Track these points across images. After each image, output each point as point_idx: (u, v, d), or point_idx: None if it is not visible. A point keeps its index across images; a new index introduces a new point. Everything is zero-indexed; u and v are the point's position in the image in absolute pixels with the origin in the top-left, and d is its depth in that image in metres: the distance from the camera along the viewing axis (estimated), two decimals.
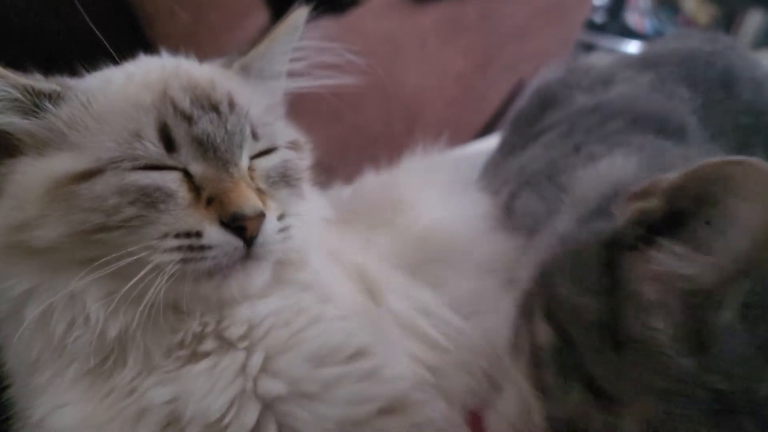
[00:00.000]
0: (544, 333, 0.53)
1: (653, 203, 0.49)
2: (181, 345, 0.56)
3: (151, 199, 0.52)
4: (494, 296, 0.71)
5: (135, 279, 0.51)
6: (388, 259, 0.74)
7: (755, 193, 0.42)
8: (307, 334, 0.58)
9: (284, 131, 0.66)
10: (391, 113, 1.25)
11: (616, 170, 0.66)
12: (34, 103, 0.55)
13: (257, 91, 0.65)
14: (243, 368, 0.55)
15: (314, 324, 0.59)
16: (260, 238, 0.54)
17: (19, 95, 0.54)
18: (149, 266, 0.51)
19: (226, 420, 0.52)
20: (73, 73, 0.63)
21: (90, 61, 0.63)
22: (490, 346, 0.66)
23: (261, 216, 0.54)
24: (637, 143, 0.72)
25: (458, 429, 0.61)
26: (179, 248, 0.52)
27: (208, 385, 0.54)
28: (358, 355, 0.59)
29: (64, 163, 0.53)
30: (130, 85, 0.58)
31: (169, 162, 0.54)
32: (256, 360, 0.55)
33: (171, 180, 0.54)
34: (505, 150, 0.98)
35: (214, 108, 0.57)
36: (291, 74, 0.71)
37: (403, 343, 0.65)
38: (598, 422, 0.50)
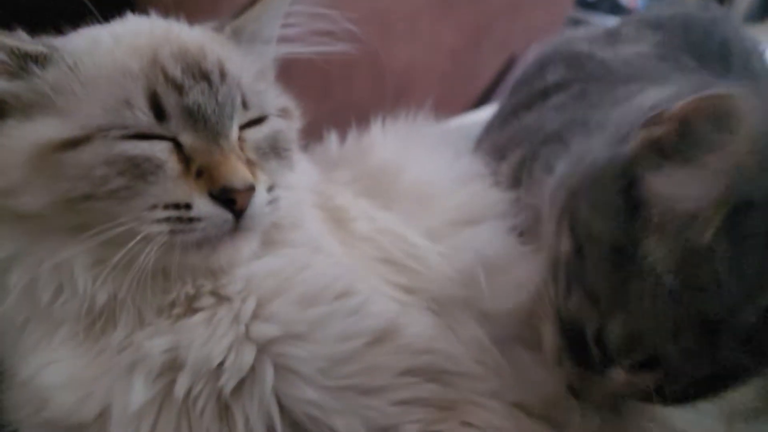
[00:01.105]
0: (566, 243, 0.60)
1: (659, 131, 0.54)
2: (173, 305, 0.57)
3: (140, 171, 0.52)
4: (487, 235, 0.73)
5: (124, 249, 0.51)
6: (361, 195, 0.76)
7: (741, 126, 0.47)
8: (295, 279, 0.60)
9: (274, 98, 0.66)
10: (381, 88, 1.24)
11: (648, 99, 0.68)
12: (19, 66, 0.54)
13: (249, 55, 0.64)
14: (237, 316, 0.57)
15: (302, 270, 0.61)
16: (249, 211, 0.55)
17: (4, 57, 0.53)
18: (138, 237, 0.52)
19: (227, 364, 0.54)
20: (58, 31, 0.61)
21: (74, 19, 0.62)
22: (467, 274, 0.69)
23: (251, 189, 0.55)
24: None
25: (446, 334, 0.64)
26: (168, 219, 0.52)
27: (206, 334, 0.56)
28: (343, 294, 0.61)
29: (49, 129, 0.53)
30: (118, 49, 0.56)
31: (159, 131, 0.54)
32: (249, 307, 0.57)
33: (160, 150, 0.53)
34: (507, 113, 0.98)
35: (205, 77, 0.56)
36: (283, 39, 0.70)
37: (378, 269, 0.68)
38: (593, 324, 0.56)
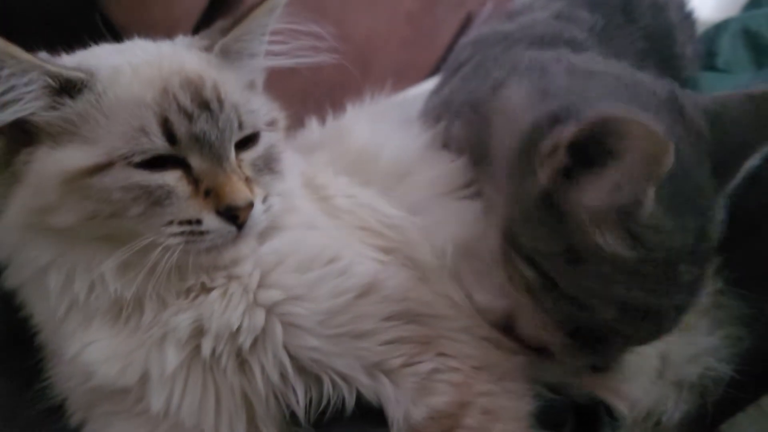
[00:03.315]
0: (526, 270, 0.67)
1: (560, 157, 0.62)
2: (190, 289, 0.68)
3: (154, 197, 0.62)
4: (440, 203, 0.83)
5: (147, 258, 0.62)
6: (341, 174, 0.86)
7: (633, 134, 0.56)
8: (292, 253, 0.71)
9: (264, 114, 0.73)
10: (344, 60, 1.28)
11: (517, 105, 0.76)
12: (59, 92, 0.61)
13: (238, 70, 0.72)
14: (246, 288, 0.68)
15: (297, 245, 0.72)
16: (249, 222, 0.65)
17: (51, 82, 0.61)
18: (159, 248, 0.62)
19: (243, 327, 0.66)
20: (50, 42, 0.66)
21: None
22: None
23: (251, 206, 0.64)
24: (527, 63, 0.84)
25: (420, 285, 0.75)
26: (182, 233, 0.63)
27: (222, 306, 0.67)
28: (332, 260, 0.72)
29: (76, 157, 0.61)
30: (134, 80, 0.64)
31: (172, 152, 0.62)
32: (254, 279, 0.68)
33: (171, 178, 0.62)
34: (438, 87, 1.07)
35: (206, 106, 0.65)
36: (269, 53, 0.76)
37: (359, 235, 0.79)
38: (585, 316, 0.65)
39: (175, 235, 0.62)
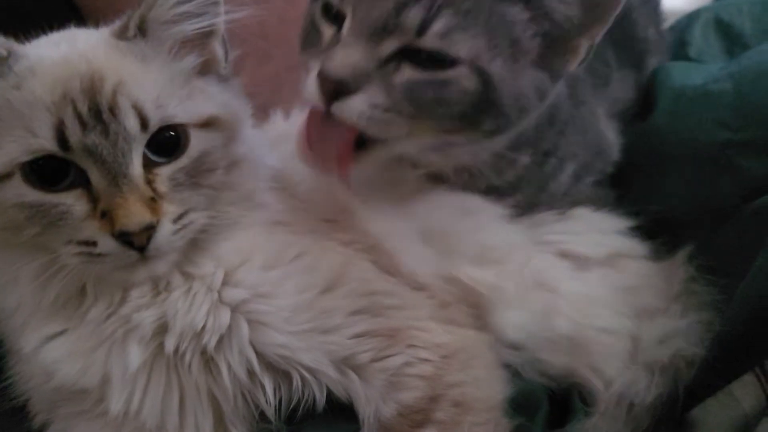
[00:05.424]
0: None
1: None
2: (142, 288, 0.65)
3: (49, 217, 0.59)
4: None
5: (53, 269, 0.61)
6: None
7: None
8: (256, 251, 0.70)
9: (200, 104, 0.66)
10: None
11: None
12: None
13: (159, 53, 0.65)
14: (210, 287, 0.66)
15: (262, 243, 0.71)
16: (152, 245, 0.60)
17: None
18: (57, 265, 0.60)
19: (207, 326, 0.64)
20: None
21: None
22: None
23: (149, 229, 0.59)
24: None
25: (382, 274, 0.75)
26: (80, 253, 0.60)
27: (186, 305, 0.65)
28: (297, 256, 0.71)
29: None
30: (41, 81, 0.60)
31: (65, 156, 0.58)
32: (218, 278, 0.67)
33: (69, 197, 0.59)
34: None
35: (100, 116, 0.59)
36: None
37: (321, 227, 0.78)
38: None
39: (74, 255, 0.60)
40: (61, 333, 0.64)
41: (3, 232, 0.61)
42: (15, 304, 0.65)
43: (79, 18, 1.17)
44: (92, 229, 0.59)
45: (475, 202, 0.84)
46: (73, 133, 0.57)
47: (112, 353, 0.63)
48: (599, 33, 0.70)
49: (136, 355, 0.63)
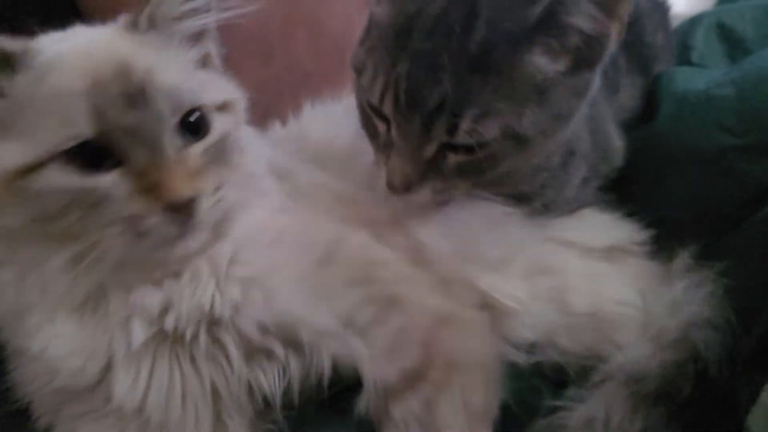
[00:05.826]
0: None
1: None
2: (158, 276, 0.66)
3: (90, 202, 0.59)
4: None
5: (95, 256, 0.60)
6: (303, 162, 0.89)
7: None
8: (261, 233, 0.72)
9: (213, 92, 0.70)
10: (320, 49, 1.26)
11: None
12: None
13: (171, 45, 0.69)
14: (216, 266, 0.67)
15: (266, 227, 0.73)
16: (196, 218, 0.63)
17: None
18: (102, 248, 0.60)
19: (215, 304, 0.65)
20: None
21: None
22: None
23: (194, 200, 0.62)
24: None
25: (378, 244, 0.78)
26: (124, 233, 0.60)
27: (192, 288, 0.65)
28: (298, 234, 0.73)
29: (8, 156, 0.58)
30: (67, 71, 0.61)
31: (105, 141, 0.59)
32: (225, 256, 0.68)
33: (108, 178, 0.60)
34: None
35: (137, 97, 0.61)
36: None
37: (318, 208, 0.81)
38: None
39: (116, 235, 0.60)
40: (72, 330, 0.64)
41: (33, 224, 0.60)
42: (33, 301, 0.64)
43: (80, 18, 1.17)
44: (140, 204, 0.60)
45: (502, 209, 0.84)
46: (114, 116, 0.59)
47: (114, 335, 0.64)
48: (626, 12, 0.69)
49: (139, 333, 0.63)
